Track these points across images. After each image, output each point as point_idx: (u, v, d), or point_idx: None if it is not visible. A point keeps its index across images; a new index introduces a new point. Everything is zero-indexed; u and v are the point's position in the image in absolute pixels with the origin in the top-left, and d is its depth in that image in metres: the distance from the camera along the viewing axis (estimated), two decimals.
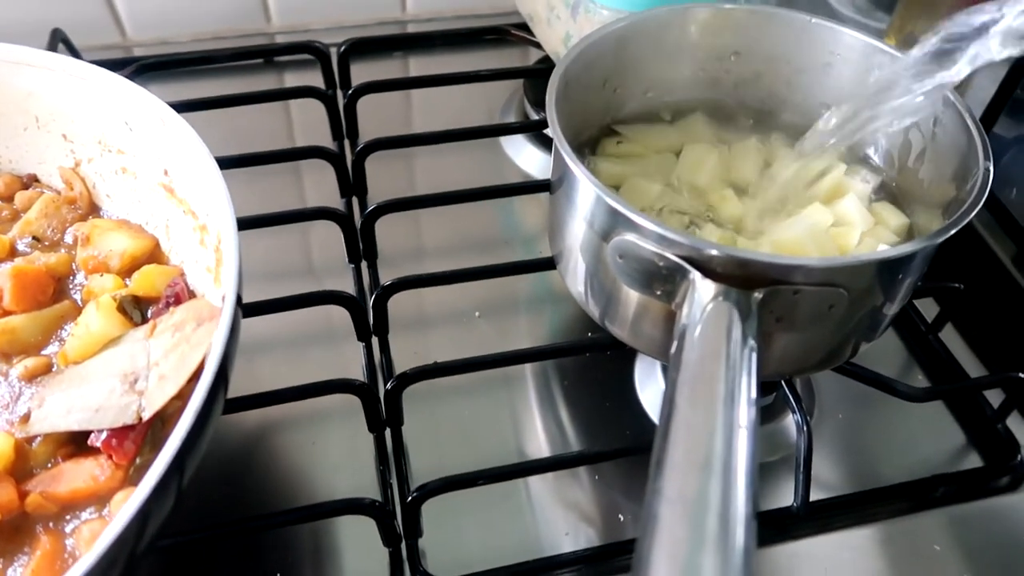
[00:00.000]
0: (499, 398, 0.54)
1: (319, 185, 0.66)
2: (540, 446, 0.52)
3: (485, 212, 0.65)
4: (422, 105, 0.76)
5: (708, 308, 0.37)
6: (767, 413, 0.51)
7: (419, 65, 0.81)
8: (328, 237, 0.59)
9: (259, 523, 0.43)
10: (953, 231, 0.38)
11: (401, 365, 0.51)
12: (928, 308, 0.58)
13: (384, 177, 0.64)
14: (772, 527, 0.47)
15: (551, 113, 0.44)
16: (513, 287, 0.59)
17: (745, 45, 0.54)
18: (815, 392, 0.54)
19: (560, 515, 0.48)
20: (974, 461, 0.51)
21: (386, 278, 0.55)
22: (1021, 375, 0.50)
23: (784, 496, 0.48)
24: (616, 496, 0.49)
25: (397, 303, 0.53)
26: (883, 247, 0.45)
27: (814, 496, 0.47)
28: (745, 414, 0.32)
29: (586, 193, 0.42)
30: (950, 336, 0.57)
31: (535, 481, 0.49)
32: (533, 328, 0.58)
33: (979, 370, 0.55)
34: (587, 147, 0.53)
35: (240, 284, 0.36)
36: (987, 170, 0.41)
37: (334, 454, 0.50)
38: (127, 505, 0.28)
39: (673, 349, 0.36)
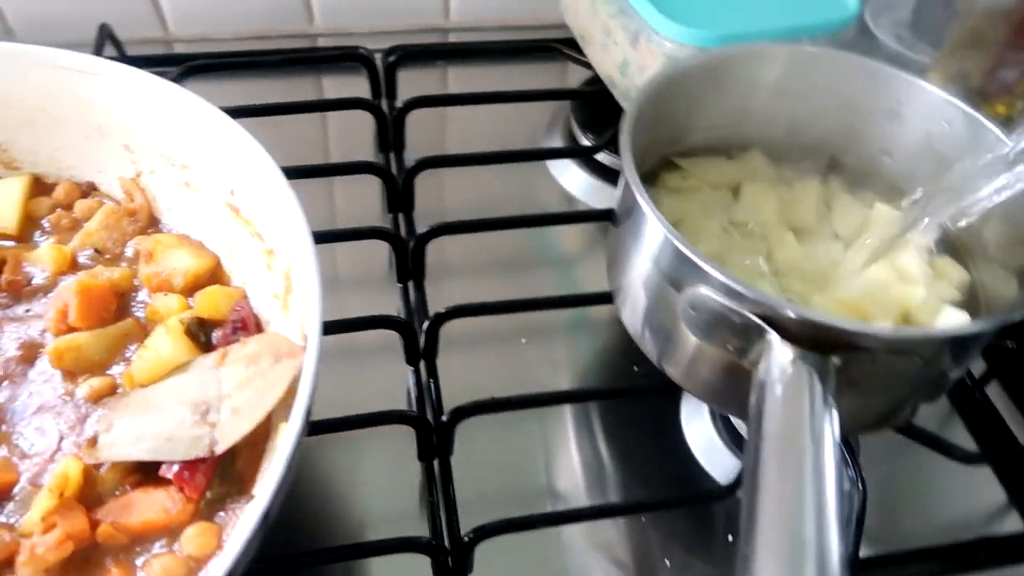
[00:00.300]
0: (536, 428, 0.53)
1: (355, 198, 0.65)
2: (577, 482, 0.52)
3: (523, 231, 0.64)
4: (462, 117, 0.75)
5: (788, 371, 0.36)
6: None
7: (460, 75, 0.81)
8: (363, 252, 0.59)
9: (311, 558, 0.43)
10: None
11: (447, 389, 0.51)
12: (975, 364, 0.58)
13: (423, 188, 0.63)
14: None
15: (625, 152, 0.43)
16: (557, 313, 0.59)
17: (810, 86, 0.53)
18: (859, 443, 0.54)
19: (597, 559, 0.48)
20: (1016, 523, 0.51)
21: (431, 298, 0.54)
22: None
23: None
24: (656, 538, 0.49)
25: (449, 324, 0.53)
26: (948, 309, 0.45)
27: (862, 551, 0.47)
28: (833, 489, 0.32)
29: (655, 236, 0.42)
30: (995, 393, 0.57)
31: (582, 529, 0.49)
32: (576, 356, 0.58)
33: (1022, 429, 0.55)
34: (642, 175, 0.52)
35: (322, 324, 0.35)
36: None
37: (378, 480, 0.49)
38: (221, 561, 0.27)
39: (752, 409, 0.36)
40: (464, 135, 0.73)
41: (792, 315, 0.37)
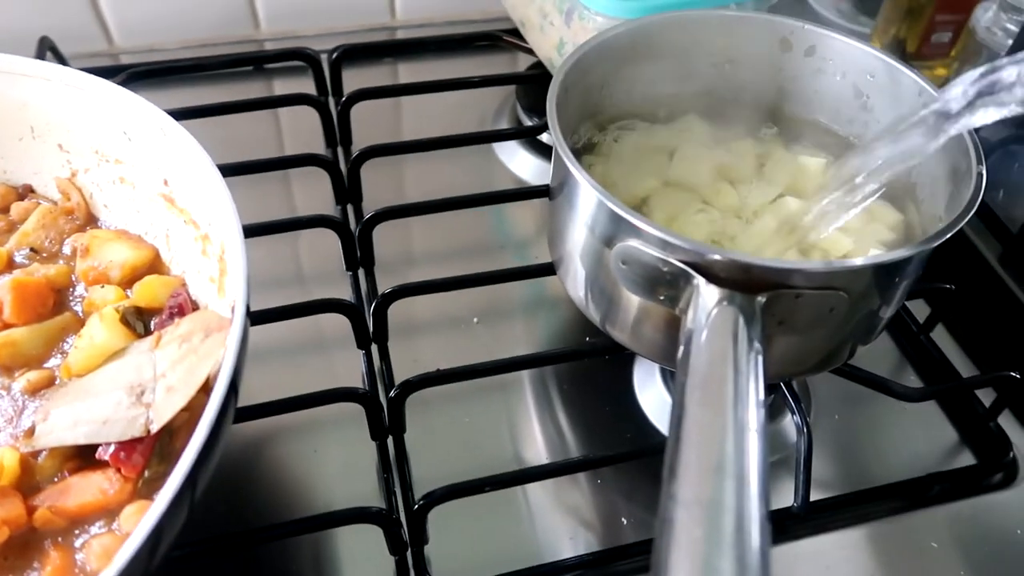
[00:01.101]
0: (497, 403, 0.54)
1: (311, 192, 0.66)
2: (539, 451, 0.52)
3: (478, 217, 0.65)
4: (413, 111, 0.76)
5: (713, 313, 0.37)
6: (771, 413, 0.52)
7: (410, 71, 0.81)
8: (322, 244, 0.60)
9: (266, 535, 0.43)
10: (948, 235, 0.39)
11: (400, 372, 0.51)
12: (919, 309, 0.59)
13: (377, 183, 0.64)
14: (773, 527, 0.48)
15: (552, 121, 0.44)
16: (510, 292, 0.60)
17: (737, 50, 0.54)
18: (811, 393, 0.55)
19: (562, 520, 0.49)
20: (967, 459, 0.52)
21: (383, 285, 0.55)
22: (1012, 374, 0.51)
23: (784, 497, 0.48)
24: (617, 499, 0.49)
25: (394, 309, 0.53)
26: (876, 249, 0.46)
27: (812, 496, 0.48)
28: (755, 416, 0.32)
29: (588, 199, 0.43)
30: (941, 336, 0.58)
31: (535, 487, 0.49)
32: (530, 333, 0.59)
33: (970, 369, 0.56)
34: (580, 147, 0.53)
35: (248, 295, 0.36)
36: (980, 175, 0.42)
37: (335, 462, 0.50)
38: (144, 521, 0.28)
39: (680, 354, 0.36)
40: (414, 129, 0.74)
41: (715, 257, 0.37)
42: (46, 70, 0.46)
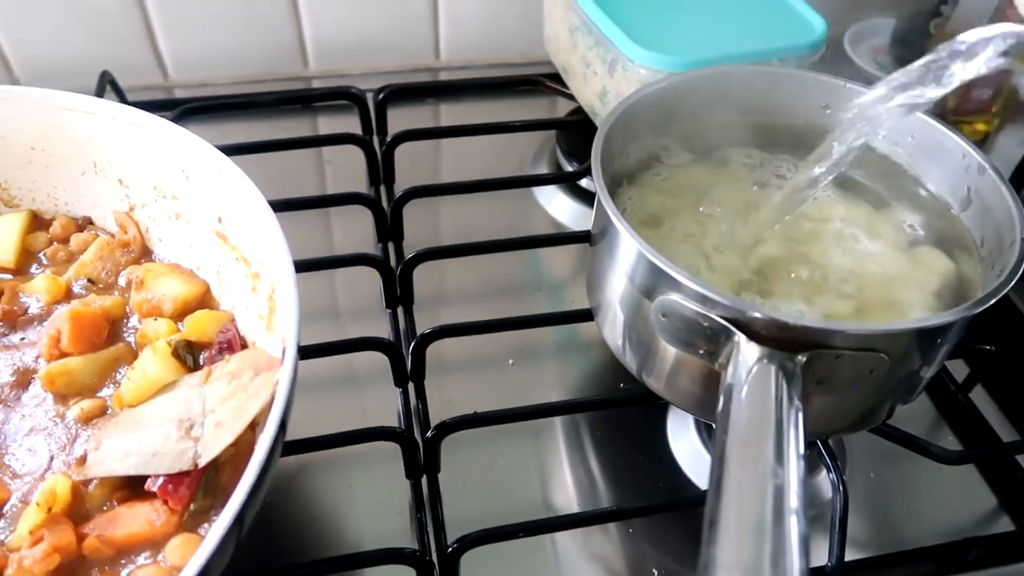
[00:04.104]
0: (529, 447, 0.54)
1: (352, 229, 0.67)
2: (570, 497, 0.52)
3: (514, 258, 0.66)
4: (454, 151, 0.77)
5: (754, 370, 0.37)
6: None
7: (451, 111, 0.83)
8: (359, 281, 0.61)
9: (300, 572, 0.43)
10: (989, 303, 0.39)
11: (435, 411, 0.52)
12: (958, 369, 0.58)
13: (416, 222, 0.65)
14: None
15: (596, 171, 0.45)
16: (544, 335, 0.60)
17: (778, 104, 0.55)
18: (846, 449, 0.54)
19: (590, 569, 0.49)
20: (1006, 525, 0.51)
21: (420, 324, 0.56)
22: None
23: (818, 555, 0.48)
24: (648, 550, 0.49)
25: (432, 348, 0.54)
26: (919, 312, 0.46)
27: (847, 556, 0.47)
28: (795, 477, 0.32)
29: (628, 250, 0.43)
30: (981, 397, 0.57)
31: (564, 533, 0.49)
32: (564, 376, 0.59)
33: (1009, 432, 0.56)
34: (624, 178, 0.53)
35: (298, 335, 0.37)
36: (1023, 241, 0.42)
37: (368, 500, 0.50)
38: (194, 559, 0.28)
39: (719, 409, 0.37)
40: (454, 169, 0.75)
41: (756, 315, 0.38)
42: (111, 109, 0.48)
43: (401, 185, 0.65)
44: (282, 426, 0.33)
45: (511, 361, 0.59)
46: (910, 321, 0.42)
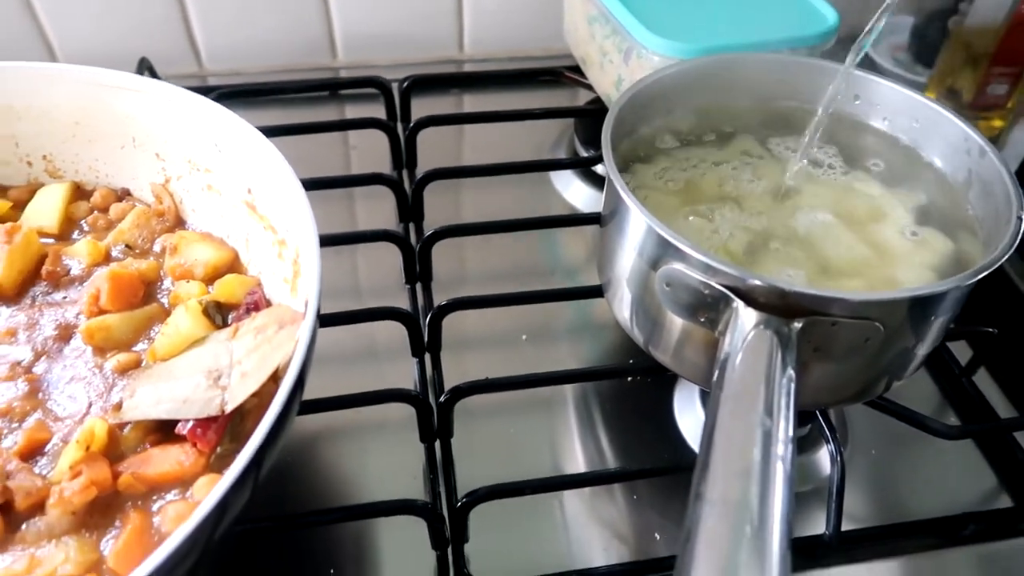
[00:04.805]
0: (541, 418, 0.56)
1: (374, 210, 0.70)
2: (578, 466, 0.54)
3: (530, 241, 0.68)
4: (476, 139, 0.79)
5: (750, 336, 0.39)
6: (802, 444, 0.53)
7: (474, 101, 0.85)
8: (381, 259, 0.63)
9: (316, 518, 0.46)
10: (982, 275, 0.41)
11: (450, 381, 0.54)
12: (962, 351, 0.60)
13: (437, 205, 0.68)
14: (804, 554, 0.49)
15: (607, 152, 0.47)
16: (558, 314, 0.62)
17: (787, 90, 0.57)
18: (848, 426, 0.56)
19: (597, 532, 0.51)
20: (1004, 501, 0.52)
21: (438, 300, 0.58)
22: None
23: (816, 525, 0.49)
24: (652, 515, 0.51)
25: (448, 324, 0.56)
26: (923, 276, 0.47)
27: (845, 527, 0.49)
28: (783, 429, 0.34)
29: (637, 223, 0.45)
30: (983, 380, 0.58)
31: (573, 498, 0.51)
32: (575, 353, 0.61)
33: (1011, 413, 0.57)
34: (635, 160, 0.55)
35: (320, 294, 0.39)
36: (1020, 219, 0.43)
37: (384, 462, 0.52)
38: (213, 492, 0.31)
39: (716, 373, 0.39)
40: (475, 155, 0.78)
41: (754, 283, 0.39)
42: (151, 86, 0.51)
43: (424, 170, 0.68)
44: (301, 375, 0.36)
45: (524, 337, 0.61)
46: (903, 290, 0.44)
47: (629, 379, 0.57)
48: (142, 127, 0.52)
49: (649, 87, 0.53)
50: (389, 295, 0.63)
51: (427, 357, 0.57)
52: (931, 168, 0.53)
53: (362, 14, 0.86)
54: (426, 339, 0.56)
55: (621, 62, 0.65)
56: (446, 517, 0.46)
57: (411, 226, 0.68)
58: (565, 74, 0.78)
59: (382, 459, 0.53)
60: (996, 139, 0.80)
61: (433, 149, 0.74)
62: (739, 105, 0.57)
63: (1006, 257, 0.41)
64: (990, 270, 0.41)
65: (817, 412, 0.50)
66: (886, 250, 0.50)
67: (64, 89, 0.52)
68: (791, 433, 0.34)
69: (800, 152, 0.55)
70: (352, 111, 0.83)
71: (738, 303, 0.40)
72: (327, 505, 0.50)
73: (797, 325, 0.40)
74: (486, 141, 0.79)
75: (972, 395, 0.57)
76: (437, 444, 0.52)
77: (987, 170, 0.48)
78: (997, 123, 0.85)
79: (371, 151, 0.76)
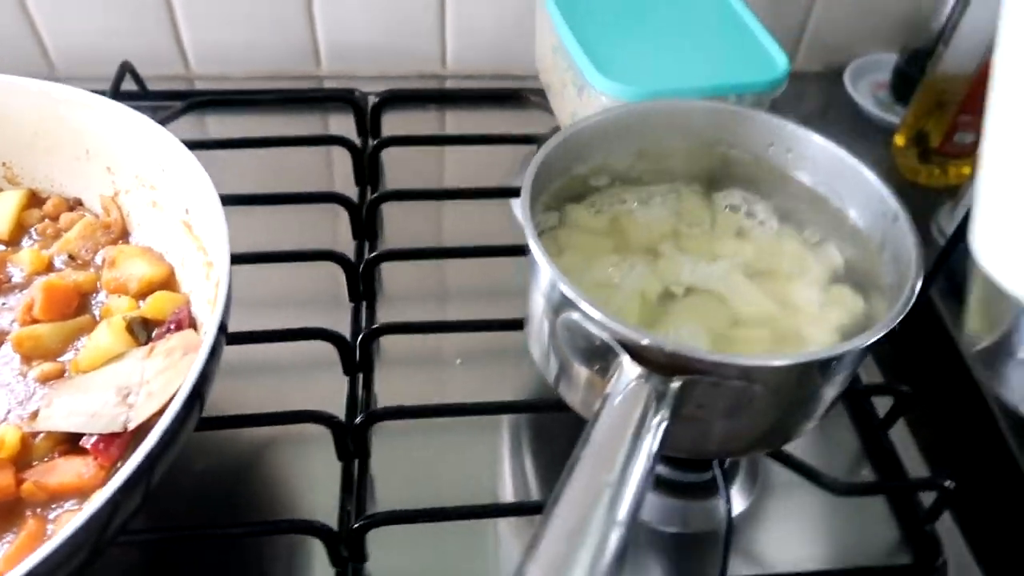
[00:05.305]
0: (474, 444, 0.58)
1: (337, 225, 0.72)
2: (506, 491, 0.56)
3: (489, 265, 0.69)
4: (452, 159, 0.81)
5: (629, 387, 0.41)
6: (704, 489, 0.55)
7: (452, 119, 0.87)
8: (334, 275, 0.66)
9: (219, 532, 0.48)
10: (868, 343, 0.42)
11: (385, 401, 0.56)
12: (885, 404, 0.61)
13: (401, 224, 0.70)
14: None
15: (524, 196, 0.48)
16: (499, 339, 0.64)
17: (724, 138, 0.58)
18: (761, 473, 0.57)
19: (516, 557, 0.52)
20: (904, 559, 0.54)
21: (386, 319, 0.60)
22: (947, 484, 0.52)
23: (712, 568, 0.51)
24: None
25: (391, 342, 0.58)
26: (828, 336, 0.48)
27: (743, 570, 0.51)
28: (633, 490, 0.36)
29: (544, 271, 0.47)
30: (903, 434, 0.59)
31: (505, 528, 0.53)
32: (513, 380, 0.62)
33: (925, 469, 0.58)
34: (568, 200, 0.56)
35: (226, 317, 0.41)
36: (913, 289, 0.44)
37: (306, 478, 0.54)
38: (98, 495, 0.33)
39: (591, 419, 0.40)
40: (449, 175, 0.80)
41: (634, 338, 0.41)
42: (101, 103, 0.53)
43: (390, 187, 0.70)
44: (195, 392, 0.38)
45: (458, 361, 0.63)
46: (782, 355, 0.45)
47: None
48: (95, 141, 0.55)
49: (583, 130, 0.54)
50: (336, 311, 0.65)
51: (361, 378, 0.59)
52: (853, 227, 0.54)
53: (345, 24, 0.88)
54: (358, 359, 0.58)
55: (576, 96, 0.66)
56: (343, 538, 0.48)
57: (366, 244, 0.70)
58: (531, 99, 0.79)
59: (306, 474, 0.55)
60: (959, 187, 0.80)
61: (406, 167, 0.77)
62: (678, 149, 0.58)
63: (893, 326, 0.42)
64: (875, 338, 0.42)
65: (715, 462, 0.51)
66: (799, 307, 0.51)
67: (24, 100, 0.54)
68: (640, 493, 0.36)
69: (729, 203, 0.56)
70: (333, 121, 0.85)
71: (624, 356, 0.42)
72: (244, 516, 0.52)
73: (676, 384, 0.41)
74: (459, 161, 0.80)
75: (886, 449, 0.58)
76: (355, 464, 0.54)
77: (899, 235, 0.49)
78: (966, 170, 0.85)
79: (345, 163, 0.78)
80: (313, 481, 0.54)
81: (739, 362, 0.41)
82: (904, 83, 0.91)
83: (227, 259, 0.43)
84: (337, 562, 0.48)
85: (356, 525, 0.47)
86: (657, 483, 0.56)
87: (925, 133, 0.83)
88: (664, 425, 0.40)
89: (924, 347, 0.62)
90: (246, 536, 0.48)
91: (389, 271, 0.68)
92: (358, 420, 0.52)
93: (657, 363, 0.41)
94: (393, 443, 0.56)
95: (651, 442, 0.38)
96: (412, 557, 0.51)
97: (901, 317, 0.43)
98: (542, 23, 0.74)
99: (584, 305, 0.43)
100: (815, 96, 0.95)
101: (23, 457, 0.42)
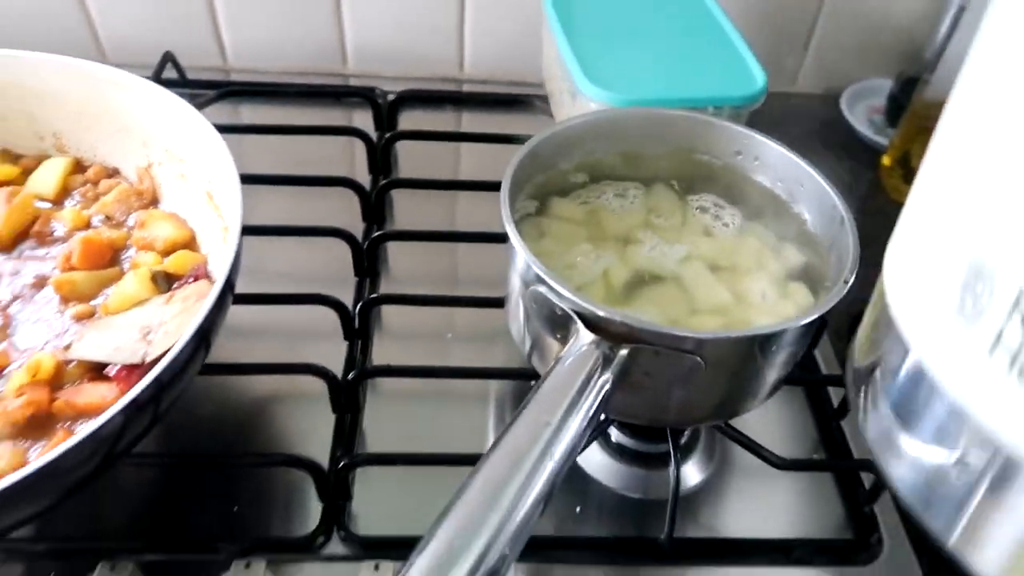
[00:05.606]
0: (460, 413, 0.63)
1: (350, 209, 0.79)
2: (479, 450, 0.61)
3: (486, 250, 0.75)
4: (460, 156, 0.87)
5: (580, 350, 0.46)
6: (667, 460, 0.60)
7: (466, 119, 0.94)
8: (345, 256, 0.72)
9: (221, 459, 0.55)
10: (788, 327, 0.47)
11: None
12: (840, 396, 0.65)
13: (408, 211, 0.77)
14: (643, 552, 0.56)
15: (505, 184, 0.54)
16: (490, 319, 0.69)
17: (697, 145, 0.63)
18: (716, 450, 0.62)
19: None
20: (847, 535, 0.58)
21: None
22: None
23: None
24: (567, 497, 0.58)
25: (390, 314, 0.64)
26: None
27: (692, 533, 0.56)
28: (572, 433, 0.41)
29: (518, 250, 0.52)
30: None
31: None
32: (498, 356, 0.68)
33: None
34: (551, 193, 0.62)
35: (234, 274, 0.48)
36: (846, 283, 0.49)
37: (303, 428, 0.60)
38: (111, 408, 0.40)
39: (542, 376, 0.46)
40: (461, 170, 0.86)
41: (589, 308, 0.47)
42: (139, 84, 0.60)
43: (401, 176, 0.77)
44: (200, 332, 0.44)
45: (449, 335, 0.69)
46: (716, 331, 0.50)
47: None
48: (133, 118, 0.62)
49: (568, 129, 0.60)
50: (346, 287, 0.71)
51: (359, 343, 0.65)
52: (808, 230, 0.59)
53: (371, 28, 0.95)
54: (356, 326, 0.65)
55: (570, 102, 0.72)
56: (330, 476, 0.54)
57: (374, 227, 0.76)
58: (535, 103, 0.85)
59: (303, 426, 0.61)
60: None
61: (416, 160, 0.83)
62: (655, 152, 0.64)
63: (813, 319, 0.47)
64: (796, 324, 0.47)
65: (668, 431, 0.56)
66: (753, 300, 0.56)
67: (75, 79, 0.62)
68: (578, 438, 0.41)
69: (700, 206, 0.62)
70: (355, 116, 0.92)
71: (579, 324, 0.48)
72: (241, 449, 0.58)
73: (623, 351, 0.47)
74: (469, 157, 0.87)
75: (836, 438, 0.63)
76: (347, 417, 0.60)
77: (843, 238, 0.54)
78: None
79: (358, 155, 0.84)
80: (309, 431, 0.60)
81: (673, 332, 0.46)
82: (897, 109, 0.96)
83: (239, 224, 0.50)
84: (324, 497, 0.54)
85: (343, 464, 0.53)
86: (621, 453, 0.61)
87: (909, 155, 0.88)
88: (607, 387, 0.45)
89: None
90: (245, 465, 0.54)
91: (394, 254, 0.74)
92: (351, 376, 0.58)
93: (607, 331, 0.47)
94: (385, 404, 0.62)
95: (594, 399, 0.44)
96: (393, 502, 0.57)
97: (829, 307, 0.48)
98: (547, 36, 0.80)
99: (549, 280, 0.48)
100: (813, 117, 1.00)
101: (56, 380, 0.48)
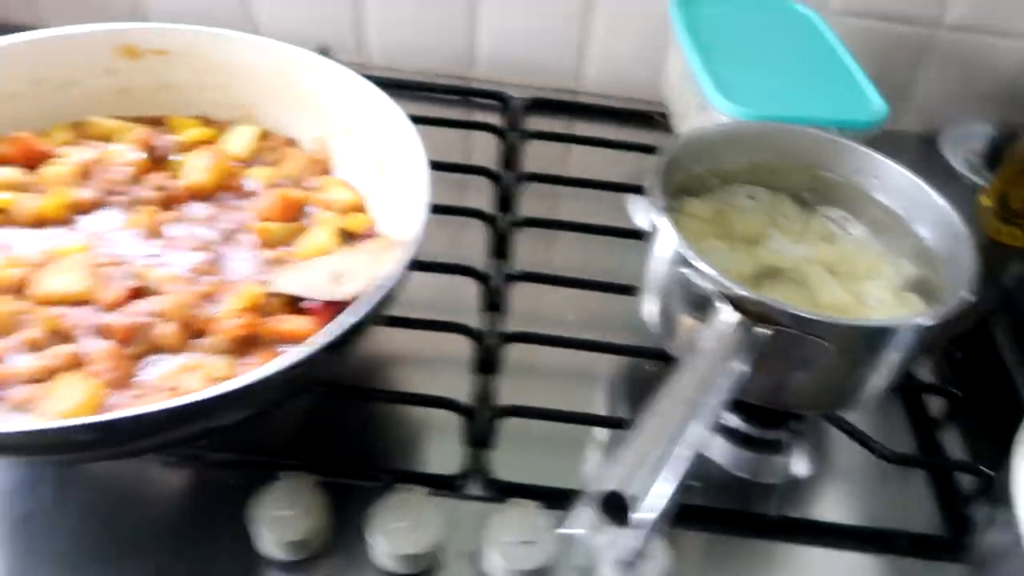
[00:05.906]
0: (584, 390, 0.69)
1: (479, 196, 0.85)
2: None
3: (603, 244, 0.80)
4: (577, 160, 0.94)
5: (723, 331, 0.52)
6: (776, 447, 0.65)
7: (585, 127, 1.00)
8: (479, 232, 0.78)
9: (377, 394, 0.62)
10: (921, 323, 0.52)
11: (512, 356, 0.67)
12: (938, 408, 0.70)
13: (531, 205, 0.83)
14: (753, 526, 0.60)
15: (657, 178, 0.60)
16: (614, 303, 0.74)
17: (824, 160, 0.68)
18: (823, 447, 0.66)
19: None
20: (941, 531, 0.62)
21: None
22: (985, 468, 0.61)
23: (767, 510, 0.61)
24: None
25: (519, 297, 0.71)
26: None
27: (794, 514, 0.61)
28: (712, 405, 0.47)
29: (667, 236, 0.58)
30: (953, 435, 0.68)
31: None
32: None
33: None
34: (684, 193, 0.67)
35: (418, 242, 0.54)
36: (963, 297, 0.54)
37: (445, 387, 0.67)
38: (318, 335, 0.47)
39: (692, 354, 0.51)
40: (573, 170, 0.92)
41: (735, 290, 0.52)
42: (324, 64, 0.68)
43: (528, 171, 0.84)
44: (390, 282, 0.51)
45: (570, 318, 0.74)
46: (851, 319, 0.55)
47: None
48: (314, 95, 0.70)
49: (703, 136, 0.67)
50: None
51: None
52: (924, 245, 0.64)
53: (501, 39, 1.03)
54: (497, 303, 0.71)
55: (697, 115, 0.78)
56: (482, 420, 0.61)
57: (502, 214, 0.83)
58: (655, 118, 0.92)
59: (444, 385, 0.67)
60: None
61: (539, 160, 0.90)
62: (782, 165, 0.69)
63: (937, 322, 0.52)
64: (928, 324, 0.52)
65: (785, 421, 0.61)
66: (870, 303, 0.61)
67: (264, 57, 0.70)
68: (718, 408, 0.48)
69: (822, 213, 0.67)
70: (478, 115, 0.99)
71: (723, 304, 0.53)
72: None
73: (764, 330, 0.52)
74: (588, 161, 0.93)
75: (937, 444, 0.67)
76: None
77: (961, 253, 0.59)
78: None
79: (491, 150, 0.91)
80: (443, 387, 0.66)
81: (814, 316, 0.52)
82: (997, 153, 1.00)
83: (427, 199, 0.57)
84: (468, 443, 0.60)
85: (491, 412, 0.59)
86: (734, 435, 0.66)
87: (1007, 196, 0.92)
88: (747, 362, 0.51)
89: (982, 371, 0.71)
90: (402, 402, 0.61)
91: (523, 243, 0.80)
92: (494, 339, 0.65)
93: (750, 312, 0.52)
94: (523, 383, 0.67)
95: (730, 371, 0.50)
96: (535, 460, 0.61)
97: (951, 312, 0.53)
98: (674, 53, 0.86)
99: (696, 263, 0.54)
100: (910, 152, 1.05)
101: (261, 308, 0.56)
